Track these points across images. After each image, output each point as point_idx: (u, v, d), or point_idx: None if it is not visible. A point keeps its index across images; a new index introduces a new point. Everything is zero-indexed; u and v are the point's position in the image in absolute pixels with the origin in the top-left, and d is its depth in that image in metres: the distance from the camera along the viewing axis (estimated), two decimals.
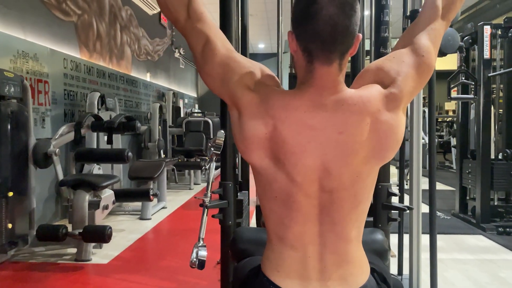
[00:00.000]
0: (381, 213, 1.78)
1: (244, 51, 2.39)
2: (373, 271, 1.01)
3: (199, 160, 6.82)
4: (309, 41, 0.88)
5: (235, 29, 1.90)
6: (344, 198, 0.90)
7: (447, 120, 10.78)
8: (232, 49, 0.99)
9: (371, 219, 1.84)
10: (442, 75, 4.18)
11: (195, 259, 1.75)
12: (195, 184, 6.82)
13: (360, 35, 0.91)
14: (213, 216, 1.92)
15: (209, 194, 1.91)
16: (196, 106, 11.37)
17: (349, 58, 0.94)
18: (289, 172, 0.89)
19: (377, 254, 1.30)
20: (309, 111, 0.88)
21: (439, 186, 7.09)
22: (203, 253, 1.76)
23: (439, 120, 11.33)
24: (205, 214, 1.89)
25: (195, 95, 11.61)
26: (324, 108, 0.89)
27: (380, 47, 1.79)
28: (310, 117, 0.88)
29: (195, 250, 1.78)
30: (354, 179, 0.89)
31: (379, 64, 0.97)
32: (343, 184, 0.89)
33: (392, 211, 1.85)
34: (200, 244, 1.80)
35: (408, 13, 2.17)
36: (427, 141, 7.86)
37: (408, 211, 1.88)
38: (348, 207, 0.90)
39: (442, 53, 2.14)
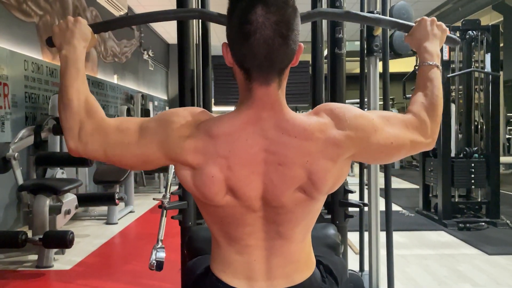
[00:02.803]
0: (338, 210, 1.82)
1: (206, 53, 2.38)
2: (319, 263, 1.03)
3: None
4: (245, 61, 0.84)
5: (194, 32, 1.89)
6: (287, 219, 0.91)
7: None
8: (138, 122, 0.92)
9: (329, 216, 1.88)
10: (403, 77, 4.29)
11: (153, 261, 1.74)
12: (164, 187, 6.74)
13: (302, 44, 0.88)
14: (172, 217, 1.91)
15: (168, 195, 1.90)
16: (167, 108, 11.26)
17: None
18: (235, 199, 0.88)
19: (329, 248, 1.32)
20: (250, 139, 0.86)
21: (406, 184, 7.27)
22: (161, 254, 1.75)
23: None
24: (164, 216, 1.88)
25: (166, 98, 11.50)
26: (265, 134, 0.86)
27: (335, 48, 1.83)
28: (252, 147, 0.86)
29: (154, 252, 1.77)
30: (295, 205, 0.89)
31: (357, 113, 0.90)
32: (285, 209, 0.89)
33: (350, 208, 1.89)
34: (158, 246, 1.79)
35: None
36: None
37: (364, 207, 1.92)
38: (293, 223, 0.92)
39: (397, 54, 2.21)
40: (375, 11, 2.17)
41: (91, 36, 1.04)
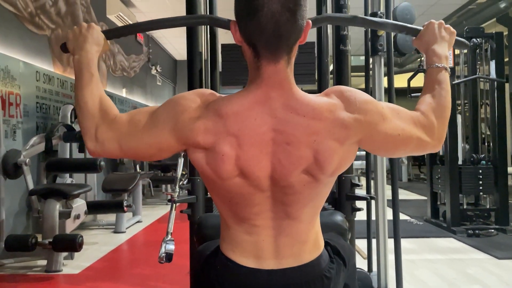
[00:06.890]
0: (345, 204, 1.83)
1: (214, 51, 2.43)
2: (327, 244, 1.03)
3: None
4: (253, 37, 0.85)
5: (203, 41, 1.96)
6: (295, 199, 0.91)
7: None
8: (149, 111, 0.95)
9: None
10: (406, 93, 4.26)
11: (163, 254, 1.76)
12: (173, 182, 6.75)
13: (310, 21, 0.89)
14: (181, 211, 1.93)
15: (177, 189, 1.93)
16: None
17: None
18: (243, 178, 0.89)
19: (337, 233, 1.34)
20: (258, 118, 0.86)
21: (413, 196, 7.23)
22: (170, 247, 1.76)
23: None
24: (173, 209, 1.90)
25: None
26: (273, 114, 0.86)
27: (340, 45, 1.87)
28: (260, 126, 0.86)
29: (163, 245, 1.78)
30: (302, 186, 0.89)
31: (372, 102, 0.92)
32: (293, 189, 0.89)
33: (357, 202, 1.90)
34: (168, 239, 1.80)
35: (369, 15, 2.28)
36: None
37: (371, 200, 1.93)
38: (300, 203, 0.92)
39: (401, 53, 2.25)
40: (379, 12, 2.22)
41: (104, 41, 1.08)
